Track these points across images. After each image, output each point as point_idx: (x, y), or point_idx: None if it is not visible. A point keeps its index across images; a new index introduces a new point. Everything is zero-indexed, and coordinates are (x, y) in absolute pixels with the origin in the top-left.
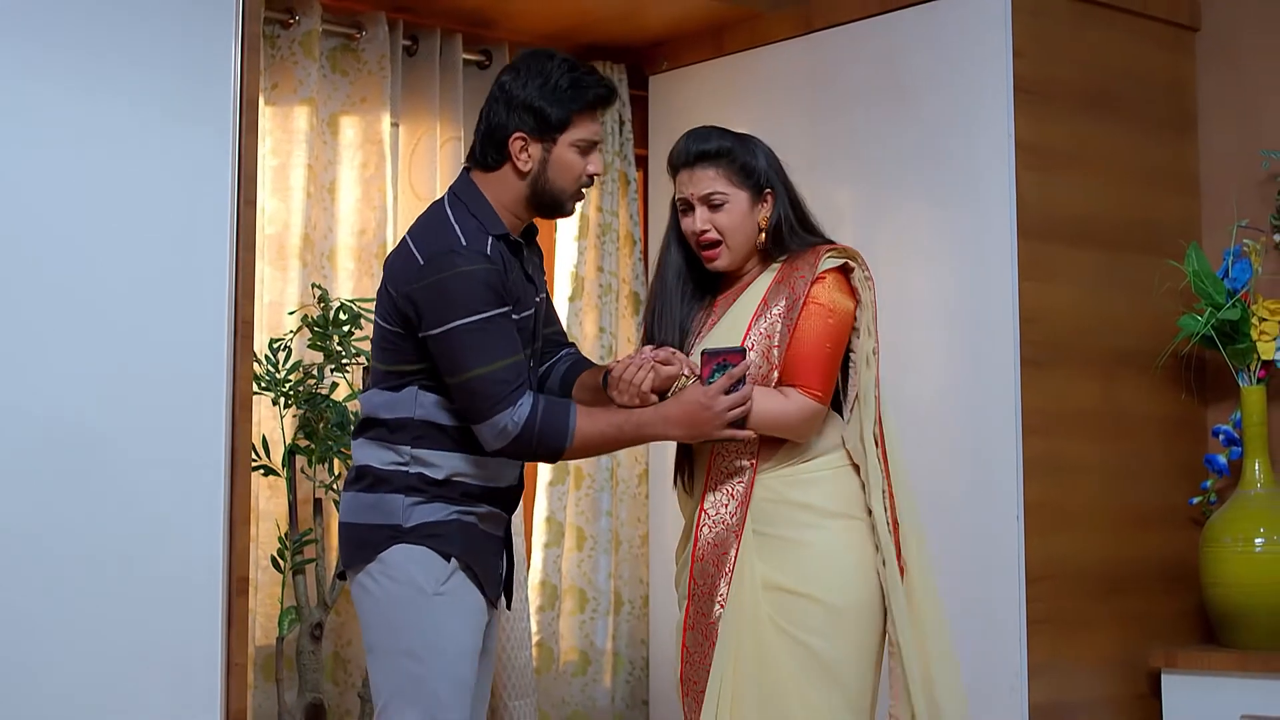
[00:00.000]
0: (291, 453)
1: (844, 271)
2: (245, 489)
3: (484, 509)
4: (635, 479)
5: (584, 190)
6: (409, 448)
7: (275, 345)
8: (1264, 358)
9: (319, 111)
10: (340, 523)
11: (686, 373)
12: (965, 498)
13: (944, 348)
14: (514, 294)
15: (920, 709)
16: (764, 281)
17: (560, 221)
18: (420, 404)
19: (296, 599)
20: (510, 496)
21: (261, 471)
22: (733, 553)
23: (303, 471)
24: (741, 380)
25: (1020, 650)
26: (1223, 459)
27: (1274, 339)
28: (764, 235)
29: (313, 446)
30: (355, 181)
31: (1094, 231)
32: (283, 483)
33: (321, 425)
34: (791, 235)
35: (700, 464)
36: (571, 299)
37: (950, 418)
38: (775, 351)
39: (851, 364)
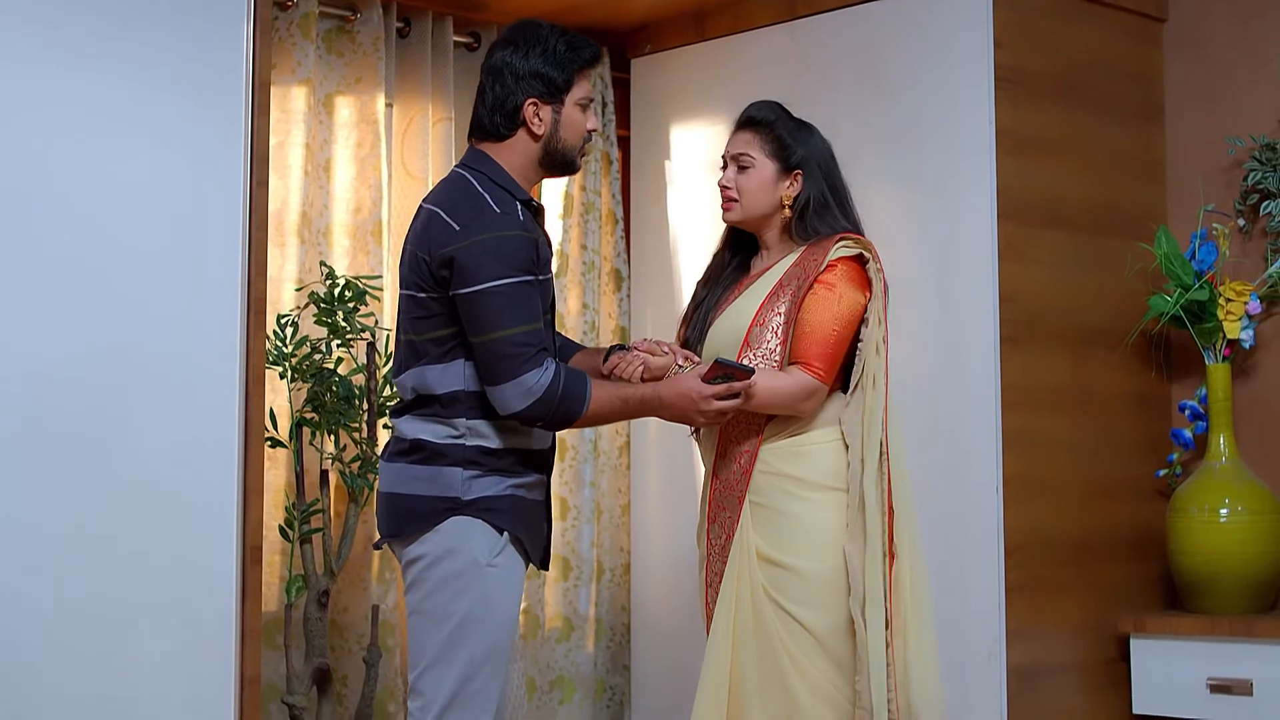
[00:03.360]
0: (298, 425)
1: (859, 261)
2: (258, 461)
3: (533, 477)
4: (616, 451)
5: (587, 145)
6: (464, 420)
7: (283, 321)
8: (1230, 336)
9: (316, 92)
10: (386, 493)
11: (681, 361)
12: (947, 470)
13: (926, 327)
14: (542, 258)
15: (891, 690)
16: (784, 265)
17: (545, 200)
18: (468, 377)
19: (304, 567)
20: (550, 460)
21: (269, 444)
22: (736, 519)
23: (311, 444)
24: (738, 394)
25: (999, 616)
26: (1188, 433)
27: (1239, 319)
28: (788, 211)
29: (319, 419)
30: (350, 160)
31: (1069, 215)
32: (280, 455)
33: (329, 398)
34: (819, 220)
35: (711, 432)
36: (556, 276)
37: (933, 394)
38: (783, 329)
39: (859, 350)
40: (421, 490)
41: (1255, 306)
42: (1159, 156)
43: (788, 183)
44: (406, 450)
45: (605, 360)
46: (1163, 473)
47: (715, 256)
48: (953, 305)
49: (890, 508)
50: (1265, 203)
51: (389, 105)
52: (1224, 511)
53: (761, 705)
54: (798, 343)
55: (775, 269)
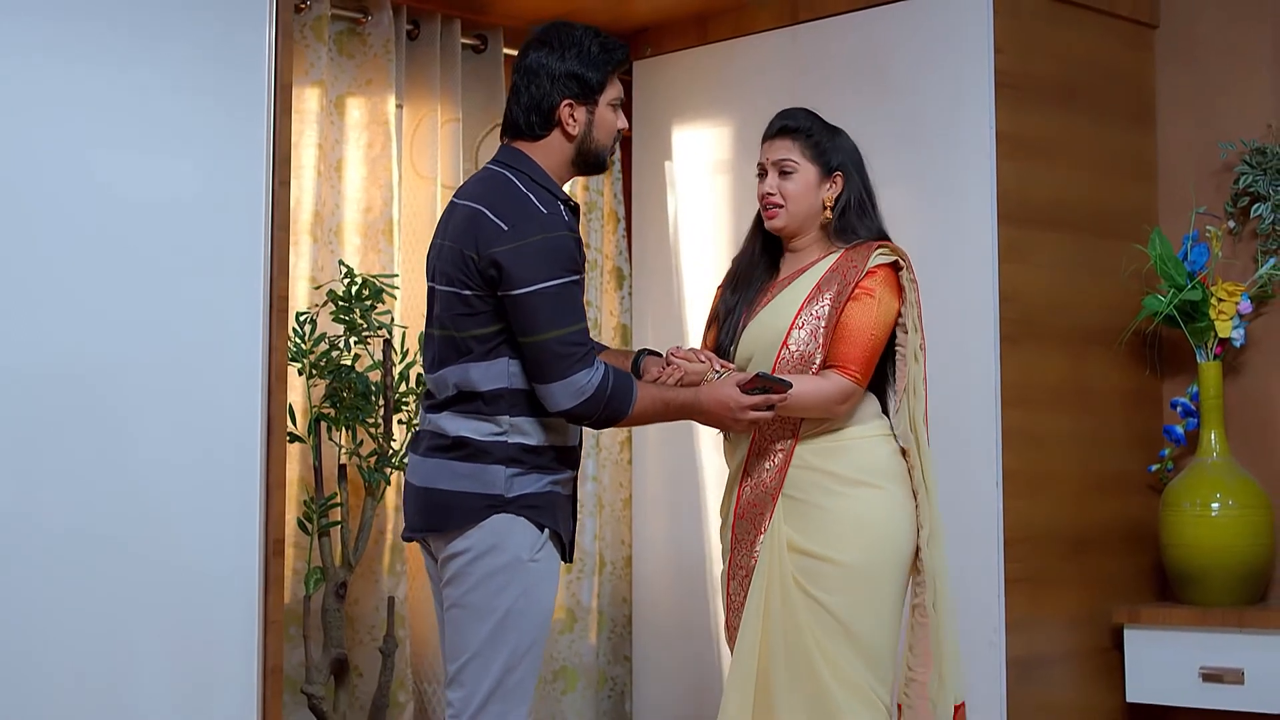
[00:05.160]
0: (317, 421)
1: (894, 269)
2: (281, 455)
3: (566, 474)
4: (618, 446)
5: (615, 145)
6: (507, 417)
7: (301, 318)
8: (1221, 336)
9: (328, 93)
10: (423, 487)
11: (718, 367)
12: (949, 466)
13: (929, 326)
14: (583, 257)
15: (934, 680)
16: (822, 267)
17: None
18: (512, 374)
19: (322, 560)
20: (579, 456)
21: (287, 439)
22: (767, 515)
23: (330, 439)
24: (772, 406)
25: (999, 607)
26: (1180, 429)
27: (1231, 318)
28: (829, 213)
29: (336, 415)
30: (361, 161)
31: (1067, 217)
32: (294, 450)
33: (346, 394)
34: (859, 221)
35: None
36: None
37: (935, 391)
38: (823, 332)
39: (899, 357)
40: (464, 487)
41: (1246, 306)
42: (1151, 160)
43: (829, 185)
44: (448, 446)
45: (635, 364)
46: (1155, 468)
47: (742, 261)
48: (954, 305)
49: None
50: (1255, 205)
51: (399, 106)
52: (1215, 506)
53: (790, 698)
54: (837, 345)
55: (813, 270)
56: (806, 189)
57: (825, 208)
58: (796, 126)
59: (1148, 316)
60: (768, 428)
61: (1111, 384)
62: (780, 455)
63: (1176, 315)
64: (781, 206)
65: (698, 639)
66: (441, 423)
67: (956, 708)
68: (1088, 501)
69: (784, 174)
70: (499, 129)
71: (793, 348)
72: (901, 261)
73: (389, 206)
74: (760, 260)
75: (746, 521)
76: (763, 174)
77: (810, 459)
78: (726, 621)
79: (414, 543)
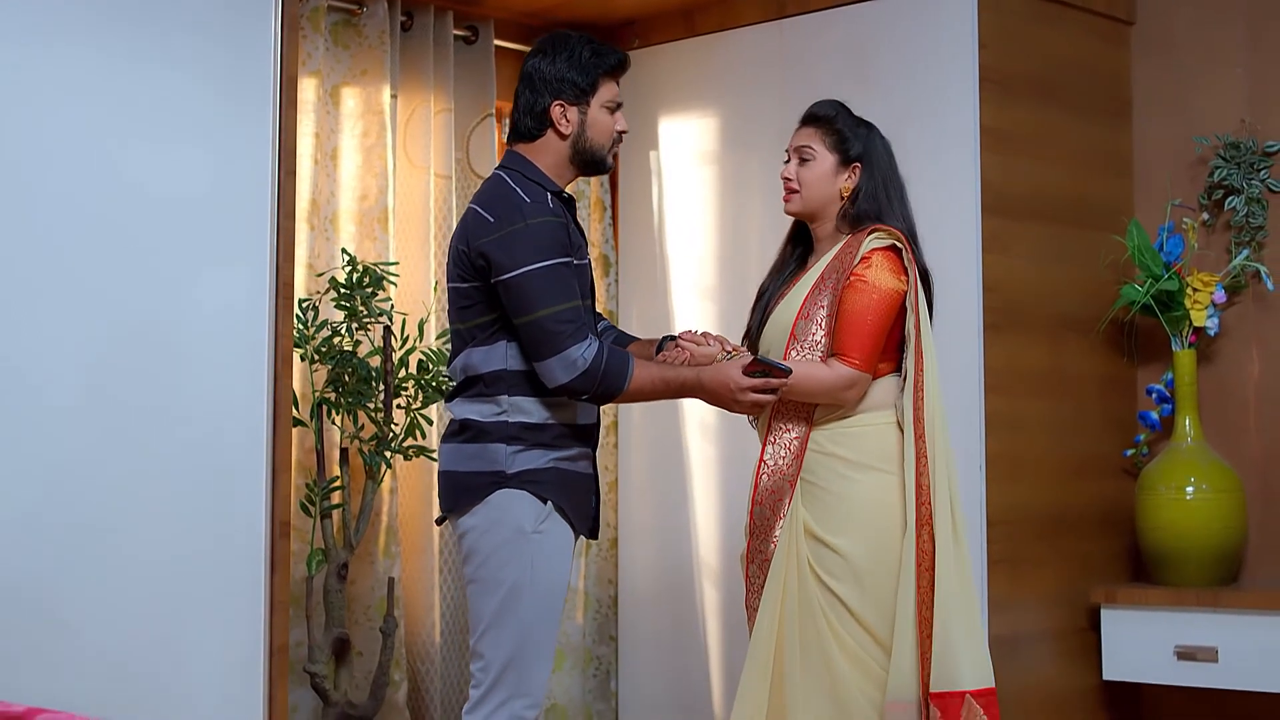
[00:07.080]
0: (319, 405)
1: (895, 252)
2: (287, 439)
3: (575, 450)
4: (604, 430)
5: (617, 147)
6: (506, 396)
7: (304, 305)
8: (1196, 324)
9: (324, 83)
10: (441, 471)
11: (730, 349)
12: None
13: None
14: (574, 241)
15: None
16: (828, 258)
17: None
18: (510, 356)
19: (324, 541)
20: (594, 434)
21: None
22: (786, 500)
23: (332, 423)
24: (774, 390)
25: (982, 588)
26: (1155, 415)
27: (1205, 308)
28: (845, 202)
29: (338, 400)
30: (356, 149)
31: (1047, 209)
32: (296, 433)
33: (348, 379)
34: (868, 211)
35: (763, 418)
36: None
37: None
38: (826, 322)
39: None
40: (470, 467)
41: (1220, 296)
42: (1128, 153)
43: (846, 175)
44: (457, 431)
45: (659, 348)
46: (1130, 452)
47: (781, 249)
48: (939, 294)
49: (925, 485)
50: (1229, 198)
51: (394, 96)
52: (1189, 489)
53: (806, 684)
54: (837, 335)
55: (820, 263)
56: (822, 177)
57: (842, 197)
58: (821, 115)
59: (1125, 305)
60: (782, 415)
61: (1089, 371)
62: (796, 442)
63: (1153, 304)
64: (797, 192)
65: (682, 619)
66: (452, 409)
67: (974, 693)
68: (1066, 485)
69: (803, 160)
70: (490, 119)
71: (801, 339)
72: (899, 244)
73: (384, 195)
74: (794, 251)
75: (765, 508)
76: (788, 160)
77: (824, 443)
78: (746, 601)
79: (415, 526)
